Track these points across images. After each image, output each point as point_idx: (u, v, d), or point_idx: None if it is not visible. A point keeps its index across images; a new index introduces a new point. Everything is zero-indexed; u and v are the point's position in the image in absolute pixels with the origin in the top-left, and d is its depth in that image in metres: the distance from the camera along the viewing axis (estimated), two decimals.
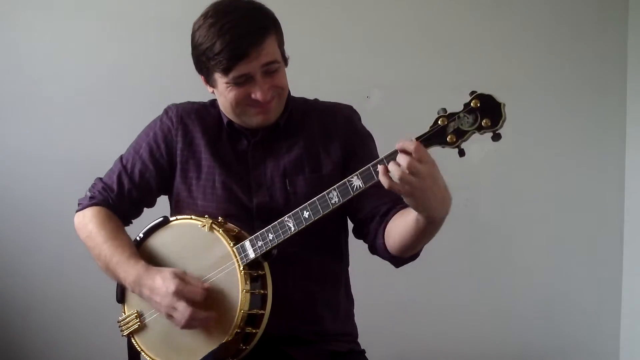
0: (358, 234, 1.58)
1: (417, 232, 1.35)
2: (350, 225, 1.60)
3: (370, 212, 1.50)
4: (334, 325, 1.59)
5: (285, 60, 1.50)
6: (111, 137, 2.48)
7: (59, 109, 2.53)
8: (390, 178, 1.23)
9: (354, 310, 1.69)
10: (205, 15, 1.43)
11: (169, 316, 1.42)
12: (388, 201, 1.46)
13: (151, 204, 1.64)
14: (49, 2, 2.51)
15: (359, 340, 1.68)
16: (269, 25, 1.43)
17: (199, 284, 1.42)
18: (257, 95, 1.43)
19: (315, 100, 1.65)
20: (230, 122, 1.55)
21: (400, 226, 1.40)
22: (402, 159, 1.22)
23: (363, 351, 1.65)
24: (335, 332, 1.59)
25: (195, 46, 1.45)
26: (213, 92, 1.53)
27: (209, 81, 1.49)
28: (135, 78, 2.53)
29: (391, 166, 1.23)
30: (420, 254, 1.48)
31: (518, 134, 2.62)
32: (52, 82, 2.53)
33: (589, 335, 2.77)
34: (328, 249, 1.59)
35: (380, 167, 1.25)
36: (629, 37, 2.65)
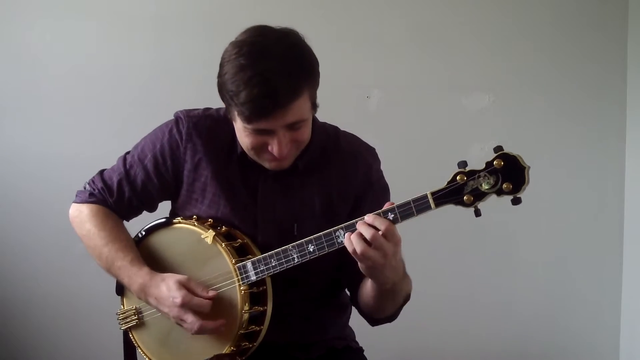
0: (344, 279, 1.55)
1: (375, 295, 1.36)
2: None
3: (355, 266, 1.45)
4: (331, 333, 1.59)
5: (314, 109, 1.39)
6: (111, 137, 2.49)
7: (59, 109, 2.53)
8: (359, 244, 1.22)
9: (353, 314, 1.67)
10: (240, 49, 1.29)
11: (178, 325, 1.41)
12: None
13: (152, 209, 1.60)
14: (49, 2, 2.51)
15: (359, 339, 1.68)
16: (302, 82, 1.29)
17: (204, 294, 1.38)
18: (273, 150, 1.34)
19: (336, 133, 1.55)
20: (243, 153, 1.45)
21: (364, 289, 1.42)
22: (368, 234, 1.21)
23: (361, 349, 1.65)
24: (332, 336, 1.60)
25: (221, 77, 1.31)
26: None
27: (229, 113, 1.37)
28: (135, 78, 2.53)
29: (354, 237, 1.23)
30: (397, 316, 1.48)
31: (518, 134, 2.62)
32: (52, 82, 2.52)
33: (589, 335, 2.77)
34: (330, 277, 1.55)
35: (347, 239, 1.25)
36: (629, 37, 2.65)
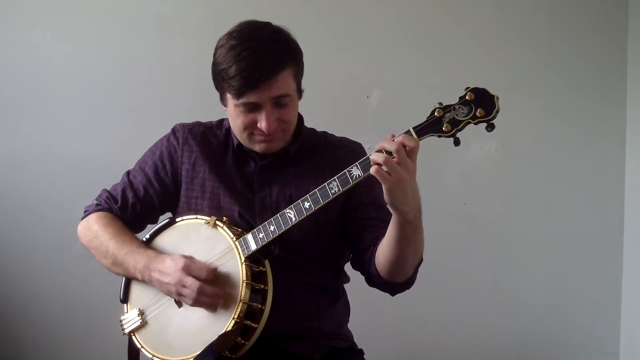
0: (355, 265, 1.59)
1: (397, 240, 1.38)
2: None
3: (368, 243, 1.53)
4: (329, 328, 1.60)
5: (299, 93, 1.51)
6: (111, 137, 2.50)
7: (59, 109, 2.53)
8: (379, 165, 1.28)
9: (352, 315, 1.70)
10: (230, 35, 1.45)
11: (180, 295, 1.44)
12: (385, 233, 1.46)
13: (154, 220, 1.67)
14: (49, 2, 2.52)
15: (358, 341, 1.68)
16: (287, 59, 1.44)
17: (206, 265, 1.45)
18: (261, 125, 1.45)
19: (325, 133, 1.67)
20: (240, 144, 1.57)
21: (383, 243, 1.44)
22: (393, 146, 1.27)
23: (361, 351, 1.66)
24: (331, 332, 1.61)
25: (214, 63, 1.47)
26: (226, 110, 1.54)
27: (222, 99, 1.51)
28: (135, 78, 2.53)
29: (380, 156, 1.28)
30: (415, 281, 1.51)
31: (518, 134, 2.62)
32: (52, 82, 2.53)
33: (589, 335, 2.77)
34: (327, 264, 1.60)
35: (374, 154, 1.30)
36: (629, 37, 2.65)
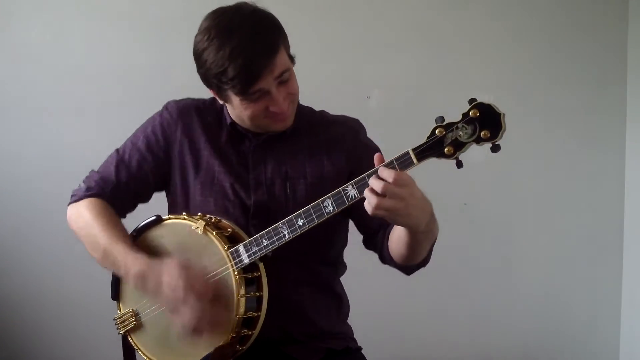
0: (368, 245, 1.58)
1: (409, 243, 1.36)
2: (360, 235, 1.60)
3: (377, 224, 1.50)
4: (327, 326, 1.59)
5: (293, 61, 1.48)
6: (111, 137, 2.49)
7: (59, 109, 2.53)
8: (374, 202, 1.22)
9: (351, 312, 1.69)
10: (209, 34, 1.38)
11: (174, 311, 1.38)
12: None
13: (146, 198, 1.61)
14: (49, 2, 2.52)
15: (357, 338, 1.68)
16: (276, 39, 1.40)
17: (205, 282, 1.39)
18: (275, 108, 1.43)
19: (322, 111, 1.64)
20: (233, 123, 1.54)
21: (394, 238, 1.42)
22: (376, 184, 1.22)
23: (360, 348, 1.66)
24: (329, 331, 1.60)
25: (203, 67, 1.41)
26: (225, 105, 1.52)
27: (221, 97, 1.47)
28: (135, 78, 2.53)
29: (367, 193, 1.23)
30: (430, 259, 1.48)
31: (518, 134, 2.62)
32: (52, 82, 2.53)
33: (588, 335, 2.77)
34: (322, 258, 1.58)
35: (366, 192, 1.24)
36: (629, 37, 2.65)
